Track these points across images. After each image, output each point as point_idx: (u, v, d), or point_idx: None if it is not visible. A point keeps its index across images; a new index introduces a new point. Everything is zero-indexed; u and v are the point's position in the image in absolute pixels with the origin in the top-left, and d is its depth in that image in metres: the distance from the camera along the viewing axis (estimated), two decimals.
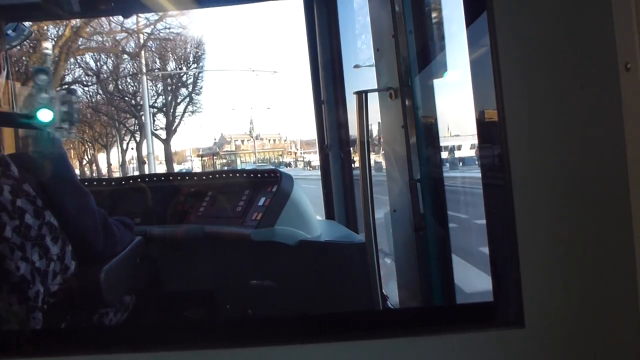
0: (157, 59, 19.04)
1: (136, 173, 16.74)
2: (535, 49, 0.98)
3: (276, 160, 23.05)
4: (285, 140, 24.06)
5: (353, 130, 3.19)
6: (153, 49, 18.17)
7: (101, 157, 20.75)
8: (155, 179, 3.25)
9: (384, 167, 2.48)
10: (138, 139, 19.62)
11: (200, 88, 20.00)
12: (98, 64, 18.25)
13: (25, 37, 3.20)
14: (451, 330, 1.02)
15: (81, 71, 18.10)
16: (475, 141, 1.24)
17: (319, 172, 3.61)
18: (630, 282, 0.97)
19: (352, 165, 3.36)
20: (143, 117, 19.20)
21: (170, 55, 19.06)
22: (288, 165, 22.57)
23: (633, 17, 0.88)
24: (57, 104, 2.20)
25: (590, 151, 0.98)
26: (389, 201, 2.47)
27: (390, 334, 1.03)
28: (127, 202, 3.07)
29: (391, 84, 2.31)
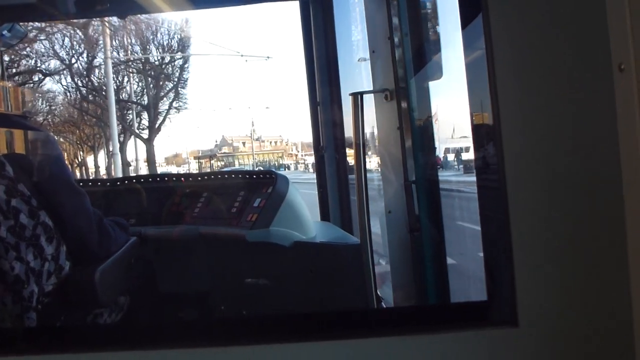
0: (132, 43, 17.08)
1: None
2: (530, 50, 0.99)
3: (275, 163, 22.57)
4: (286, 143, 23.67)
5: (348, 132, 3.19)
6: (120, 32, 16.26)
7: (90, 160, 19.59)
8: (150, 180, 3.25)
9: (380, 168, 2.49)
10: (122, 139, 17.88)
11: (186, 80, 18.15)
12: (70, 52, 16.25)
13: (20, 38, 3.20)
14: (445, 329, 1.02)
15: (56, 62, 16.38)
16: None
17: None
18: (623, 281, 0.98)
19: (348, 166, 3.36)
20: (129, 116, 17.61)
21: (145, 38, 17.00)
22: (287, 167, 21.81)
23: (627, 18, 0.89)
24: None
25: (584, 152, 0.98)
26: (384, 202, 2.47)
27: (384, 332, 1.03)
28: (122, 203, 3.07)
29: (387, 86, 2.32)
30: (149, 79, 18.11)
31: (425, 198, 2.32)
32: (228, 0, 3.83)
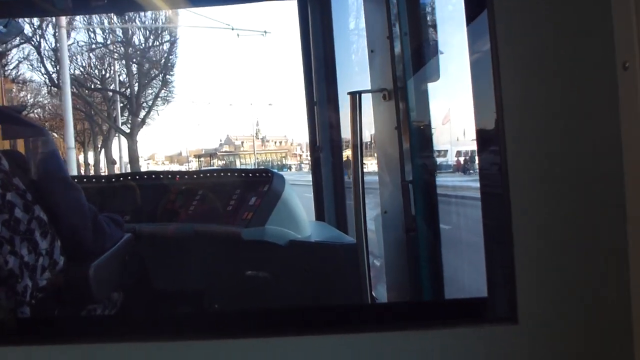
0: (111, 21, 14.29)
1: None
2: (534, 47, 0.99)
3: (279, 163, 22.12)
4: (291, 143, 23.25)
5: (345, 132, 3.19)
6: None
7: (81, 158, 17.71)
8: (146, 176, 3.24)
9: (377, 168, 2.48)
10: (107, 133, 15.85)
11: (173, 65, 15.45)
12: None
13: (17, 33, 3.18)
14: (444, 325, 1.02)
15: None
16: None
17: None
18: (622, 279, 0.98)
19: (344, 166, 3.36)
20: (114, 109, 15.17)
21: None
22: (289, 168, 21.12)
23: (632, 16, 0.89)
24: None
25: (586, 150, 0.99)
26: (380, 202, 2.47)
27: (383, 327, 1.03)
28: (117, 199, 3.05)
29: (385, 85, 2.32)
30: (130, 62, 15.37)
31: (422, 198, 2.32)
32: None
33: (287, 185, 2.87)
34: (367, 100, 2.40)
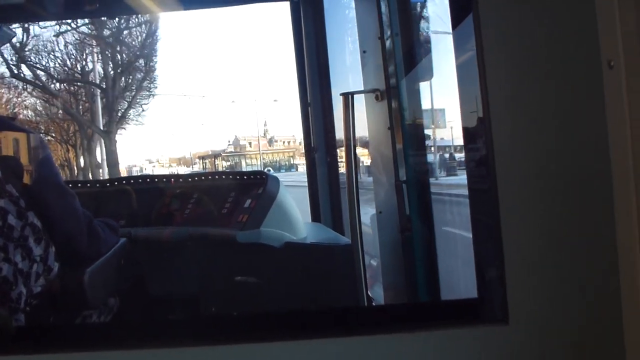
0: None
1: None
2: (520, 47, 0.99)
3: (286, 163, 21.64)
4: (300, 143, 22.80)
5: (340, 132, 3.19)
6: None
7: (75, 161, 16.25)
8: (140, 180, 3.23)
9: (370, 168, 2.49)
10: (89, 133, 14.22)
11: (155, 49, 13.08)
12: None
13: (8, 39, 3.17)
14: (436, 327, 1.02)
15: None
16: None
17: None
18: (613, 279, 0.98)
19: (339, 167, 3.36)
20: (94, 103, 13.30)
21: None
22: (296, 168, 20.47)
23: (616, 15, 0.89)
24: None
25: (573, 149, 0.99)
26: (375, 203, 2.47)
27: (375, 330, 1.03)
28: (112, 204, 3.04)
29: (377, 86, 2.32)
30: (103, 46, 13.27)
31: (416, 198, 2.32)
32: (218, 1, 3.82)
33: (281, 187, 2.87)
34: (361, 101, 2.40)
